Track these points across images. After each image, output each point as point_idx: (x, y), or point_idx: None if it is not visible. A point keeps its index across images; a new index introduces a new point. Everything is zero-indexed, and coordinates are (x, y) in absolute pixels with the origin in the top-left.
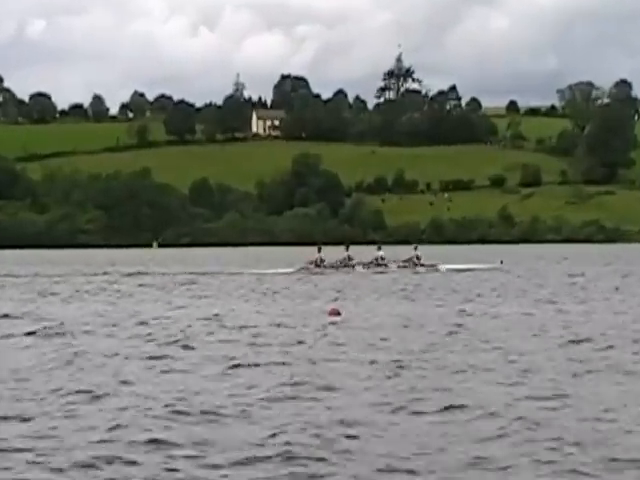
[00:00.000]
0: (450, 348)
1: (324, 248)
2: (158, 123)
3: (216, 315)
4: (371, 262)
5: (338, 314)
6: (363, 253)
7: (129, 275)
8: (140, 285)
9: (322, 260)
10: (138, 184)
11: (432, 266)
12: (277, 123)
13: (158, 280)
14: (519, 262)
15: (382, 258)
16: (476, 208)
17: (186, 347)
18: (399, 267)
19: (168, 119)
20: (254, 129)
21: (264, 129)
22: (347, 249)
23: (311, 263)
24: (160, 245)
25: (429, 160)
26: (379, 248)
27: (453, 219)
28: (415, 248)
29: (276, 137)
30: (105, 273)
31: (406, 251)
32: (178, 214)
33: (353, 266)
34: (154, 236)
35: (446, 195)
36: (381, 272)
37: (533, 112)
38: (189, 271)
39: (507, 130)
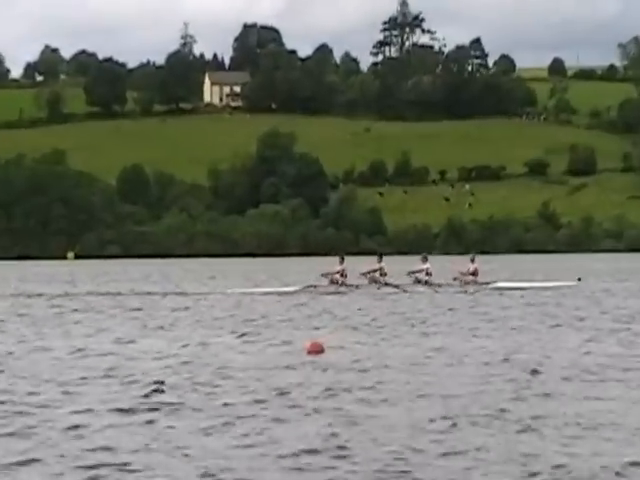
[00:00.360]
0: (500, 397)
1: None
2: (76, 89)
3: (180, 352)
4: (413, 275)
5: (321, 351)
6: (395, 264)
7: (50, 297)
8: (61, 312)
9: (344, 275)
10: (48, 172)
11: (488, 284)
12: (238, 90)
13: (86, 304)
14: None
15: (428, 273)
16: (508, 205)
17: (149, 395)
18: (442, 285)
19: (90, 84)
20: (207, 98)
21: (220, 98)
22: (380, 260)
23: (326, 276)
24: (77, 256)
25: (444, 140)
26: (425, 259)
27: (476, 220)
28: (472, 260)
29: (236, 109)
30: (17, 294)
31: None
32: (102, 214)
33: (385, 283)
34: (69, 244)
35: (467, 187)
36: (422, 292)
37: (585, 75)
38: (134, 291)
39: (550, 99)
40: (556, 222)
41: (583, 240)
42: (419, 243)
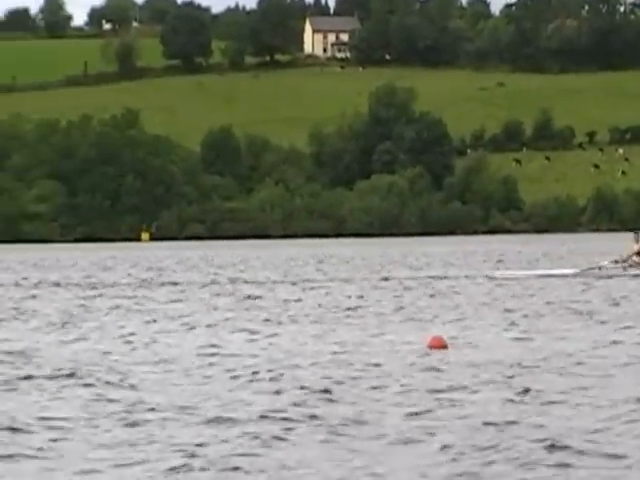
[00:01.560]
0: None
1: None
2: (152, 40)
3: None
4: None
5: (443, 347)
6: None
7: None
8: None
9: None
10: (119, 137)
11: None
12: (345, 39)
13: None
14: None
15: None
16: None
17: None
18: None
19: (168, 33)
20: (307, 49)
21: (324, 48)
22: None
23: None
24: (153, 237)
25: (592, 95)
26: None
27: (631, 190)
28: None
29: (343, 60)
30: (103, 286)
31: None
32: (183, 187)
33: None
34: (143, 222)
35: (620, 151)
36: None
37: None
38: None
39: None
40: None
41: None
42: (561, 219)
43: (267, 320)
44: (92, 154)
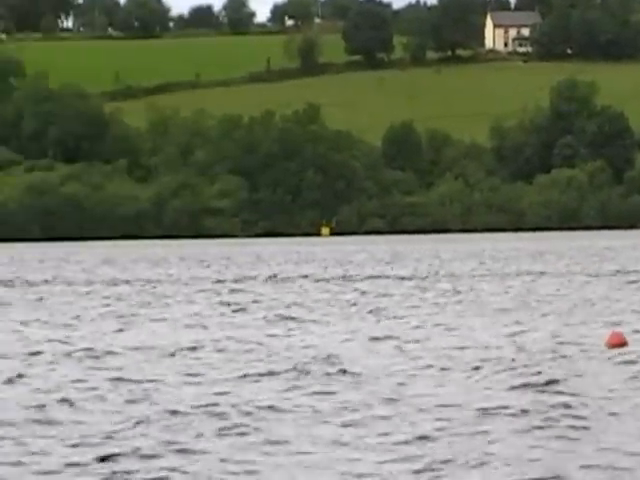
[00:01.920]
0: None
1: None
2: (334, 36)
3: None
4: None
5: (623, 344)
6: None
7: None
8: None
9: None
10: (300, 132)
11: None
12: (526, 33)
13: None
14: None
15: None
16: None
17: None
18: None
19: (350, 29)
20: (489, 43)
21: (505, 43)
22: None
23: None
24: (333, 232)
25: None
26: None
27: None
28: None
29: (524, 55)
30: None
31: None
32: (364, 181)
33: None
34: (324, 217)
35: None
36: None
37: None
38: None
39: None
40: None
41: None
42: None
43: (478, 315)
44: (274, 149)
